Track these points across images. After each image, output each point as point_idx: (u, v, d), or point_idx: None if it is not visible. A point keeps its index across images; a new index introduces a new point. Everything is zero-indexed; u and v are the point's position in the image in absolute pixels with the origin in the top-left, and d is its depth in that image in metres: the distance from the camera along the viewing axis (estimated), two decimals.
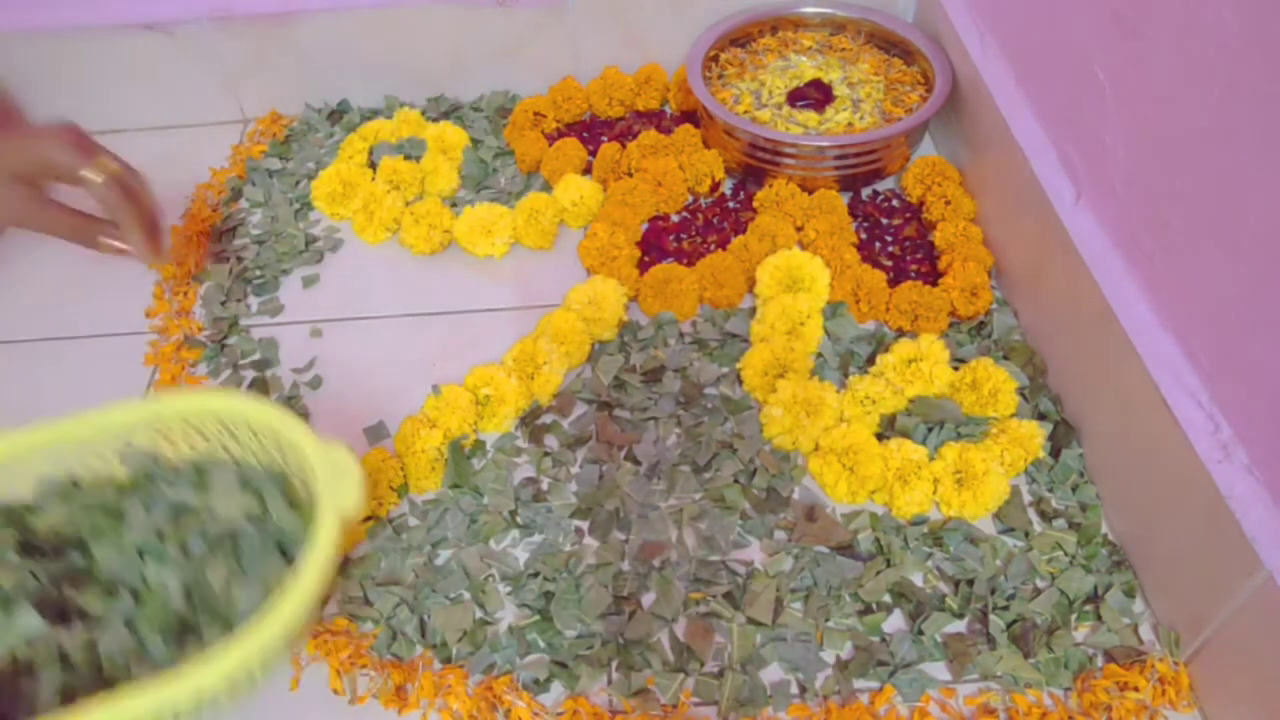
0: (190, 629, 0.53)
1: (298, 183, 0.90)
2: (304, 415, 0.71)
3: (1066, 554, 0.61)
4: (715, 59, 0.91)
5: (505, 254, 0.82)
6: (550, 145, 0.89)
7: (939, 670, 0.57)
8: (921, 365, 0.68)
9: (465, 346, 0.75)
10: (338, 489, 0.52)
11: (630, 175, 0.86)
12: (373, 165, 0.90)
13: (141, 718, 0.45)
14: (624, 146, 0.88)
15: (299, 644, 0.58)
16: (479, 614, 0.60)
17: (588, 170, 0.89)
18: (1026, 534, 0.62)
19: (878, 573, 0.60)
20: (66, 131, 0.65)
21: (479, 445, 0.69)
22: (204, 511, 0.56)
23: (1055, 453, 0.65)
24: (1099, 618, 0.58)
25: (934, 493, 0.63)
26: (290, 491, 0.57)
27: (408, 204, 0.86)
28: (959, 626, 0.59)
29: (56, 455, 0.57)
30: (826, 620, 0.59)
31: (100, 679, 0.51)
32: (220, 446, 0.59)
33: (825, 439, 0.65)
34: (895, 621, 0.59)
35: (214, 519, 0.56)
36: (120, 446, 0.58)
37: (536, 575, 0.61)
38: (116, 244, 0.68)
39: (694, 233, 0.83)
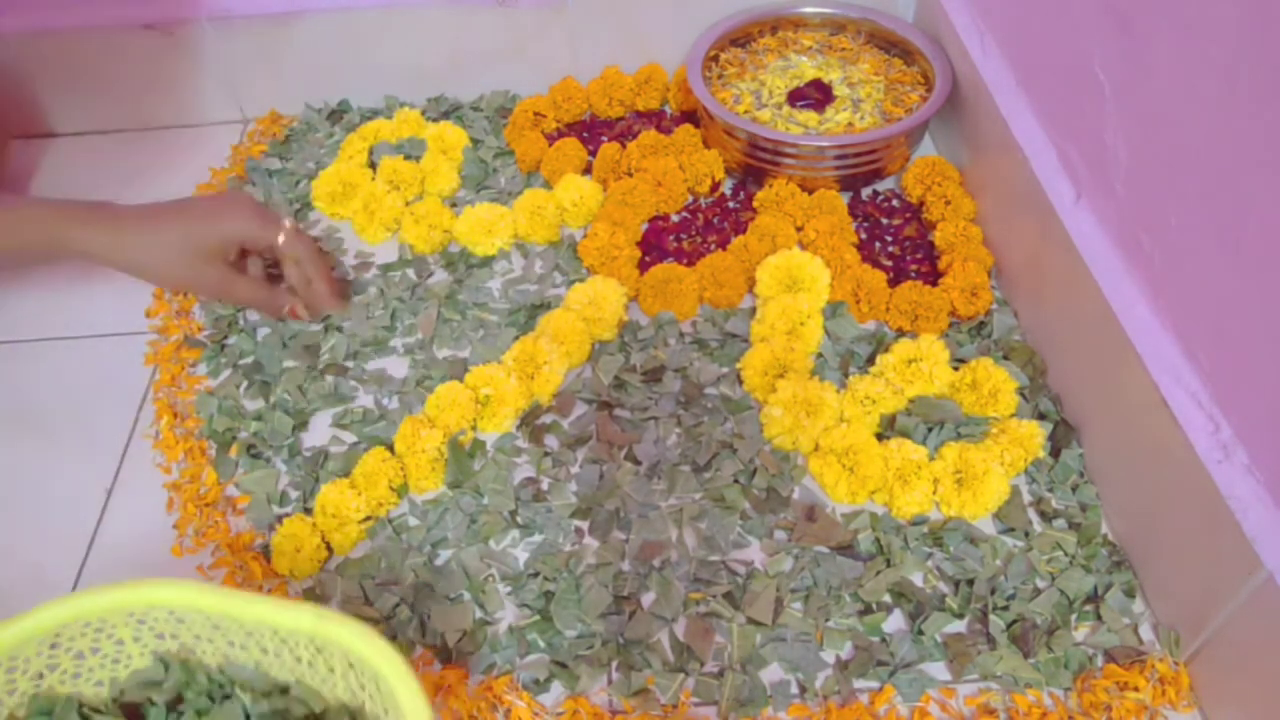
0: None
1: (298, 183, 0.90)
2: None
3: (1066, 554, 0.61)
4: (715, 59, 0.91)
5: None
6: (550, 145, 0.89)
7: (939, 670, 0.57)
8: (921, 365, 0.68)
9: None
10: None
11: (630, 175, 0.86)
12: (373, 165, 0.90)
13: None
14: (624, 146, 0.88)
15: None
16: (479, 614, 0.60)
17: (588, 170, 0.89)
18: (1026, 534, 0.62)
19: (878, 573, 0.60)
20: (248, 207, 0.70)
21: (479, 445, 0.69)
22: None
23: (1055, 453, 0.65)
24: (1099, 618, 0.58)
25: (934, 493, 0.63)
26: None
27: (408, 204, 0.86)
28: (959, 626, 0.59)
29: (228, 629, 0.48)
30: (826, 620, 0.59)
31: None
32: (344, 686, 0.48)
33: (825, 439, 0.65)
34: (895, 621, 0.59)
35: None
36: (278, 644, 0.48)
37: (536, 575, 0.61)
38: (299, 310, 0.75)
39: (694, 233, 0.83)
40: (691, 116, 0.93)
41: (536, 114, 0.93)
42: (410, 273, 0.81)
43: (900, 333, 0.74)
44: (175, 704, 0.49)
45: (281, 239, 0.70)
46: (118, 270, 0.68)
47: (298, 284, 0.74)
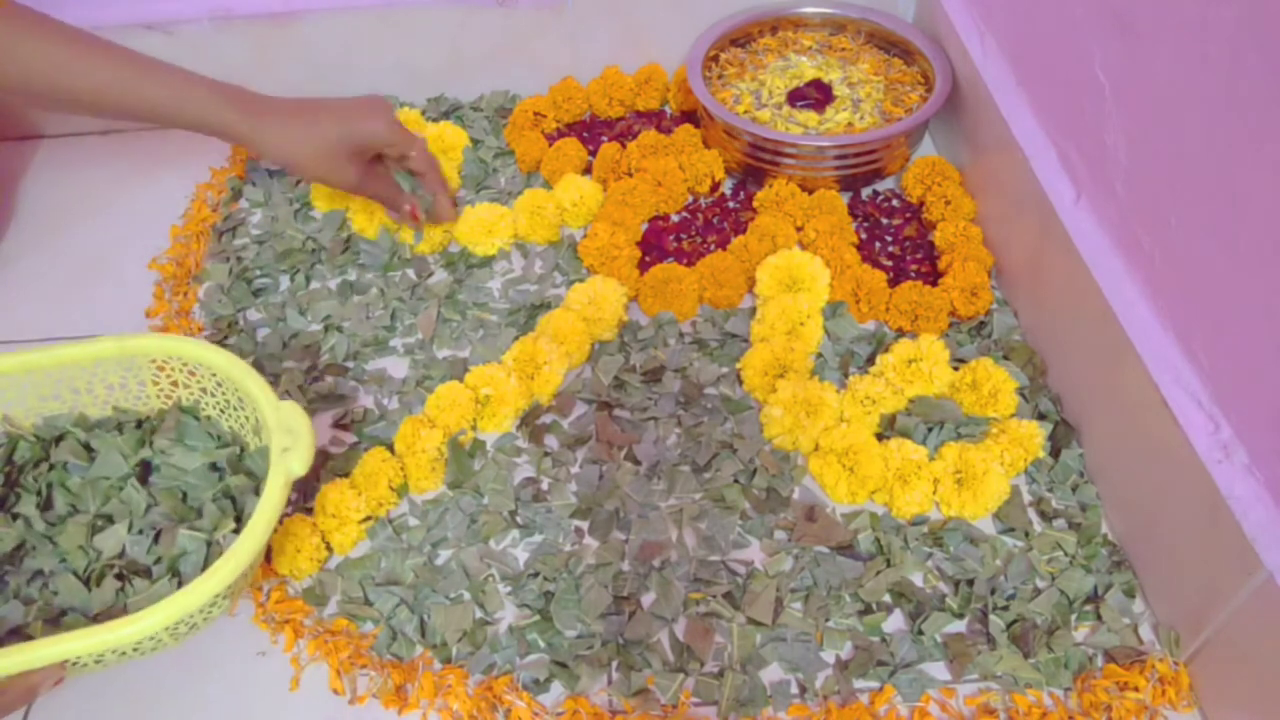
0: (140, 572, 0.58)
1: (298, 182, 0.90)
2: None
3: (1066, 554, 0.61)
4: (715, 59, 0.91)
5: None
6: (550, 145, 0.89)
7: (939, 670, 0.57)
8: (921, 365, 0.68)
9: None
10: (289, 448, 0.56)
11: (630, 175, 0.86)
12: None
13: (89, 653, 0.49)
14: (624, 146, 0.88)
15: (238, 596, 0.61)
16: (479, 614, 0.60)
17: (588, 170, 0.89)
18: (1026, 534, 0.62)
19: (878, 573, 0.60)
20: (391, 114, 0.75)
21: (479, 445, 0.69)
22: (169, 458, 0.62)
23: (1055, 453, 0.65)
24: (1099, 618, 0.58)
25: (934, 493, 0.63)
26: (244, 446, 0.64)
27: None
28: (959, 626, 0.59)
29: (37, 382, 0.63)
30: (826, 620, 0.59)
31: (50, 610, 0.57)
32: (186, 393, 0.65)
33: (825, 439, 0.65)
34: (895, 621, 0.59)
35: (177, 468, 0.62)
36: (89, 380, 0.64)
37: (536, 575, 0.61)
38: (419, 211, 0.80)
39: (694, 233, 0.83)
40: (691, 116, 0.93)
41: (536, 114, 0.93)
42: (410, 273, 0.81)
43: (900, 333, 0.74)
44: (11, 476, 0.63)
45: (415, 151, 0.77)
46: (264, 156, 0.75)
47: (434, 192, 0.80)
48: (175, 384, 0.65)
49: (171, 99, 0.68)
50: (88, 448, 0.64)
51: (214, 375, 0.62)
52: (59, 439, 0.64)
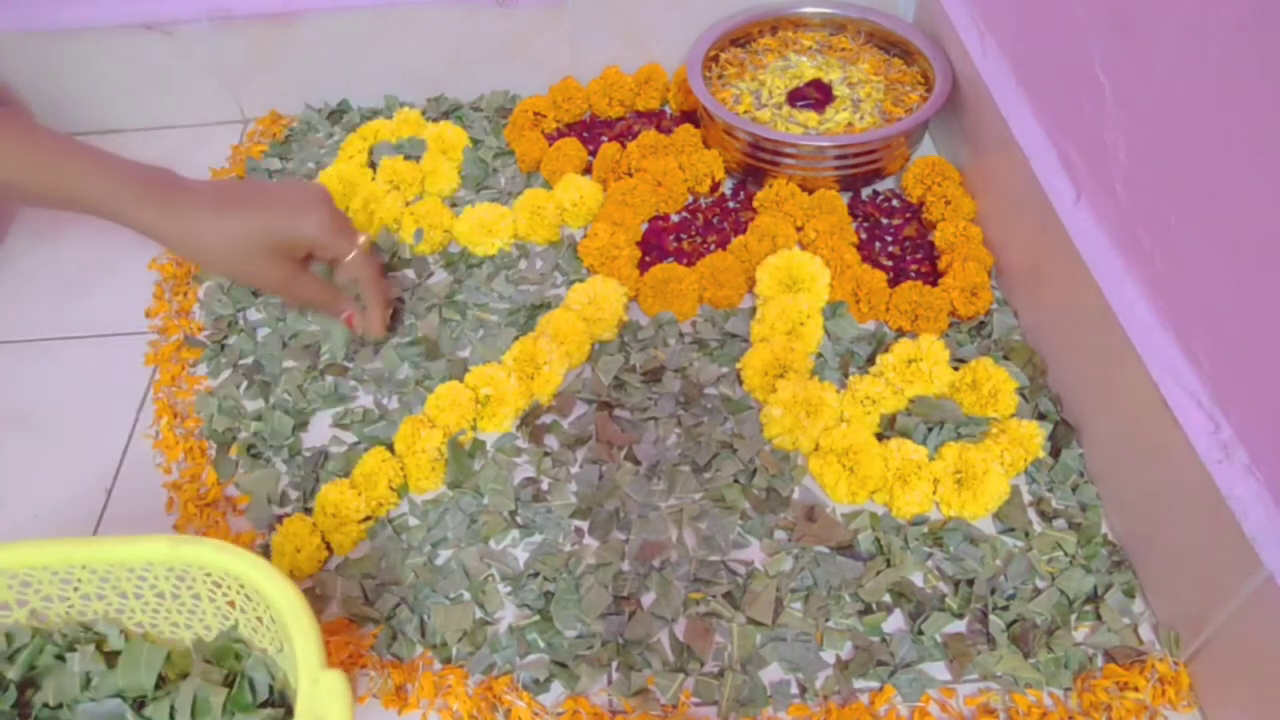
0: None
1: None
2: None
3: (1066, 554, 0.61)
4: (715, 59, 0.91)
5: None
6: (550, 145, 0.89)
7: (939, 670, 0.57)
8: (921, 365, 0.68)
9: None
10: None
11: (630, 175, 0.86)
12: (373, 165, 0.90)
13: None
14: (624, 146, 0.88)
15: None
16: (479, 614, 0.60)
17: (588, 170, 0.89)
18: (1026, 534, 0.62)
19: (878, 573, 0.60)
20: (326, 211, 0.65)
21: (479, 445, 0.69)
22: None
23: (1055, 453, 0.65)
24: (1099, 618, 0.58)
25: (934, 493, 0.63)
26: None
27: (408, 204, 0.85)
28: (959, 626, 0.59)
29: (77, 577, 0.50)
30: (826, 620, 0.59)
31: None
32: (244, 619, 0.51)
33: (825, 439, 0.65)
34: (895, 621, 0.59)
35: None
36: (136, 584, 0.50)
37: (536, 575, 0.61)
38: (356, 321, 0.71)
39: (694, 233, 0.83)
40: (691, 116, 0.93)
41: (536, 114, 0.93)
42: (410, 273, 0.81)
43: (900, 333, 0.74)
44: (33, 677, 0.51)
45: (352, 256, 0.67)
46: (173, 251, 0.64)
47: (368, 301, 0.71)
48: (232, 604, 0.51)
49: (72, 182, 0.59)
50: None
51: (268, 609, 0.48)
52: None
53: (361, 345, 0.75)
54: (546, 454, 0.68)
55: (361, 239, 0.68)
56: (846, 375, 0.71)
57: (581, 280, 0.77)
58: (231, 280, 0.70)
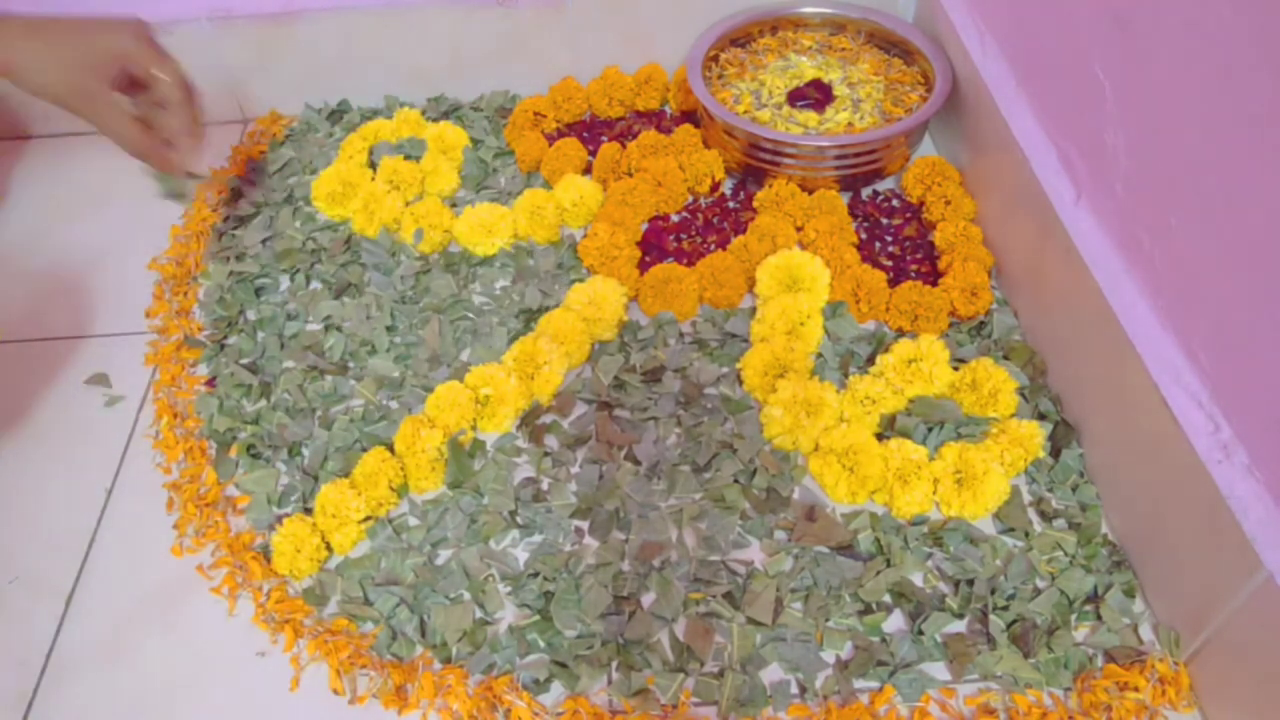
0: None
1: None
2: None
3: (1066, 554, 0.61)
4: (715, 59, 0.91)
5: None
6: (550, 145, 0.89)
7: (939, 670, 0.57)
8: (921, 365, 0.68)
9: None
10: None
11: (630, 175, 0.86)
12: (373, 165, 0.90)
13: None
14: (624, 146, 0.88)
15: None
16: (479, 614, 0.60)
17: (588, 170, 0.89)
18: (1026, 534, 0.62)
19: (878, 573, 0.60)
20: (138, 25, 0.66)
21: (479, 445, 0.69)
22: None
23: (1055, 453, 0.65)
24: (1099, 618, 0.58)
25: (934, 493, 0.63)
26: None
27: (408, 204, 0.85)
28: (959, 626, 0.59)
29: None
30: (826, 620, 0.59)
31: None
32: None
33: (825, 439, 0.65)
34: (895, 621, 0.59)
35: None
36: None
37: (536, 575, 0.61)
38: (166, 157, 0.68)
39: (694, 233, 0.83)
40: (691, 116, 0.93)
41: (536, 114, 0.93)
42: (410, 273, 0.81)
43: (900, 333, 0.74)
44: None
45: (162, 76, 0.65)
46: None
47: (162, 128, 0.67)
48: None
49: None
50: None
51: None
52: None
53: (180, 181, 0.71)
54: (546, 454, 0.68)
55: (171, 60, 0.66)
56: (846, 375, 0.71)
57: (581, 280, 0.77)
58: (49, 98, 0.65)
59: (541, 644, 0.59)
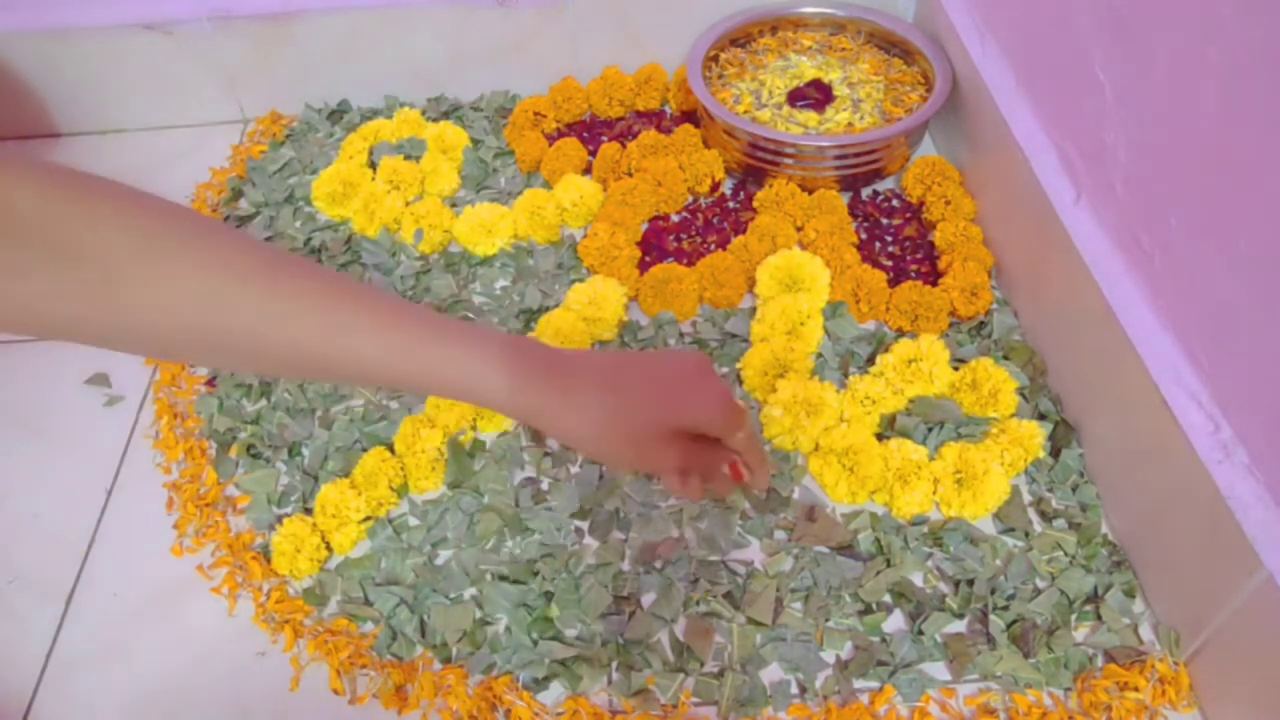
0: None
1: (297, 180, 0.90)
2: None
3: (1066, 554, 0.61)
4: (715, 59, 0.91)
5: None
6: (550, 145, 0.89)
7: (939, 670, 0.57)
8: (921, 365, 0.68)
9: None
10: None
11: (630, 175, 0.86)
12: (373, 165, 0.90)
13: None
14: (624, 146, 0.88)
15: None
16: (479, 614, 0.60)
17: (588, 170, 0.89)
18: (1026, 534, 0.62)
19: (878, 573, 0.60)
20: (715, 393, 0.52)
21: (479, 445, 0.69)
22: None
23: (1055, 453, 0.65)
24: (1099, 618, 0.58)
25: (934, 493, 0.63)
26: None
27: (408, 204, 0.85)
28: (959, 626, 0.59)
29: None
30: (826, 620, 0.59)
31: None
32: None
33: (825, 439, 0.65)
34: (895, 621, 0.59)
35: None
36: None
37: (536, 575, 0.61)
38: (741, 470, 0.54)
39: (694, 233, 0.83)
40: (691, 116, 0.93)
41: (536, 114, 0.93)
42: (410, 273, 0.81)
43: (900, 333, 0.74)
44: None
45: (741, 435, 0.53)
46: (550, 435, 0.55)
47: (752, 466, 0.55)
48: None
49: (435, 370, 0.46)
50: None
51: None
52: None
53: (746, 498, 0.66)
54: (546, 454, 0.68)
55: (746, 421, 0.54)
56: (846, 375, 0.71)
57: (581, 280, 0.77)
58: (618, 466, 0.61)
59: (541, 644, 0.59)
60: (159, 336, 0.40)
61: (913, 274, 0.78)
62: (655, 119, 0.95)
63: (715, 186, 0.86)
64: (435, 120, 0.94)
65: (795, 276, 0.73)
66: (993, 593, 0.59)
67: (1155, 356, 0.56)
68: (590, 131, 0.94)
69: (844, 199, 0.83)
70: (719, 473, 0.55)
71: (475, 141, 0.92)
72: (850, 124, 0.84)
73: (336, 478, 0.66)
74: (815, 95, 0.85)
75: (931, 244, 0.79)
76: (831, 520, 0.63)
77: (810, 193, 0.82)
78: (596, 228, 0.79)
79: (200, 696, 0.59)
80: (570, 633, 0.59)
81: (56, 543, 0.66)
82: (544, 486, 0.66)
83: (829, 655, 0.58)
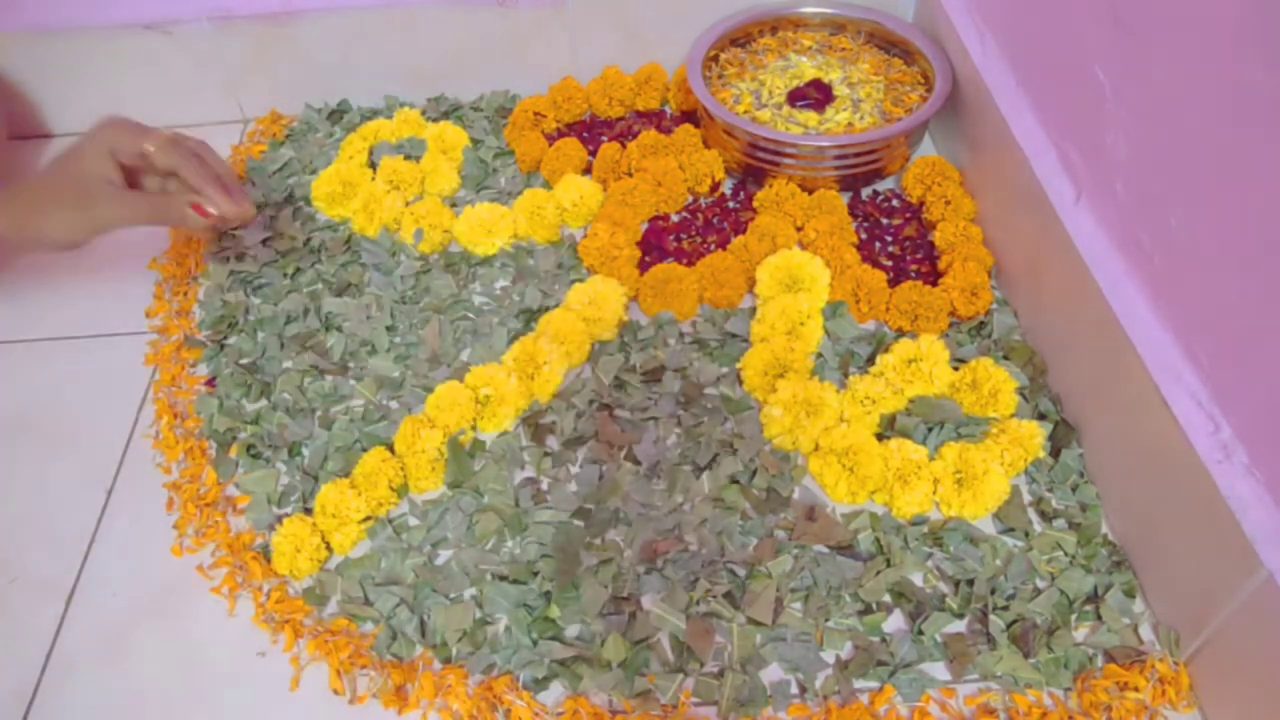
0: None
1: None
2: None
3: (1066, 554, 0.61)
4: (715, 59, 0.91)
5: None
6: (550, 145, 0.89)
7: (939, 670, 0.57)
8: (921, 365, 0.68)
9: None
10: None
11: (630, 175, 0.86)
12: (373, 165, 0.90)
13: None
14: (624, 146, 0.88)
15: None
16: (479, 614, 0.60)
17: (588, 170, 0.89)
18: (1026, 534, 0.62)
19: (878, 573, 0.60)
20: (107, 122, 0.68)
21: (479, 445, 0.69)
22: None
23: (1055, 453, 0.65)
24: (1099, 618, 0.58)
25: (934, 493, 0.63)
26: None
27: (408, 204, 0.85)
28: (959, 626, 0.59)
29: None
30: (826, 620, 0.59)
31: None
32: None
33: (825, 439, 0.65)
34: (895, 621, 0.59)
35: None
36: None
37: (536, 575, 0.61)
38: (203, 208, 0.70)
39: (694, 233, 0.83)
40: (691, 116, 0.93)
41: (536, 114, 0.93)
42: (410, 273, 0.81)
43: (900, 333, 0.74)
44: None
45: (150, 146, 0.67)
46: (29, 252, 0.68)
47: (185, 187, 0.70)
48: None
49: None
50: None
51: None
52: None
53: (229, 230, 0.73)
54: (546, 454, 0.68)
55: (161, 133, 0.68)
56: (846, 375, 0.71)
57: (581, 280, 0.77)
58: (86, 238, 0.69)
59: (542, 644, 0.59)
60: None
61: (913, 274, 0.78)
62: (655, 119, 0.95)
63: (715, 186, 0.86)
64: (435, 120, 0.94)
65: (795, 276, 0.73)
66: (993, 593, 0.59)
67: (1155, 356, 0.56)
68: (590, 131, 0.94)
69: (844, 199, 0.83)
70: (188, 214, 0.69)
71: (475, 141, 0.92)
72: (850, 124, 0.84)
73: (336, 478, 0.66)
74: (815, 95, 0.85)
75: (931, 244, 0.79)
76: (831, 520, 0.63)
77: (810, 193, 0.82)
78: (596, 228, 0.79)
79: (200, 696, 0.59)
80: (570, 633, 0.59)
81: (56, 543, 0.66)
82: (544, 486, 0.66)
83: (829, 655, 0.58)
